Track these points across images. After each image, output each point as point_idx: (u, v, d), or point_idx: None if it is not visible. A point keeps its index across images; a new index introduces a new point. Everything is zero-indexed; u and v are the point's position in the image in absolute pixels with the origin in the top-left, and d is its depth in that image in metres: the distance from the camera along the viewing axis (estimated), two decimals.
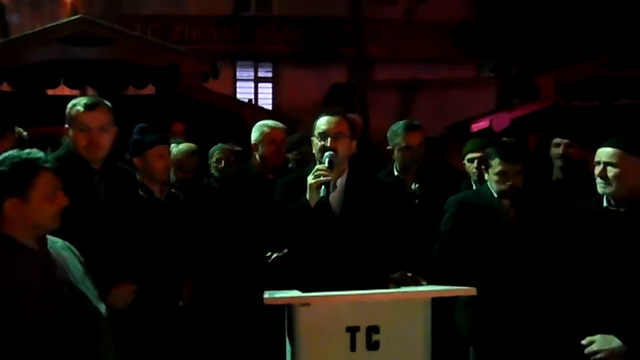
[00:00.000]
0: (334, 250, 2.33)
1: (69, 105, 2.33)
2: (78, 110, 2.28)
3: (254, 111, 5.74)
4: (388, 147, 3.23)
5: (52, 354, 1.58)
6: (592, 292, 2.31)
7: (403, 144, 3.13)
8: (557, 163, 3.42)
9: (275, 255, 3.02)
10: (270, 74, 11.46)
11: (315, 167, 2.29)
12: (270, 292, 2.02)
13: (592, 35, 7.45)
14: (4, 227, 1.65)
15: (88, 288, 1.75)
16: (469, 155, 3.55)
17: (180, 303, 2.73)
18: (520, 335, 2.66)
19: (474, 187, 3.37)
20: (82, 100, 2.34)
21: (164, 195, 2.89)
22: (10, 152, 1.68)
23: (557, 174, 3.45)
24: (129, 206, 2.41)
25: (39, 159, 1.67)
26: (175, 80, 5.44)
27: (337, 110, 2.56)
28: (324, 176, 2.24)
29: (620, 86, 6.66)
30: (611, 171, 2.29)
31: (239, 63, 11.35)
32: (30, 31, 5.60)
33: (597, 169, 2.34)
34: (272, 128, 3.25)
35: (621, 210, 2.32)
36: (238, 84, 11.30)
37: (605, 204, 2.37)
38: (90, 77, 5.69)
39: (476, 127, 7.08)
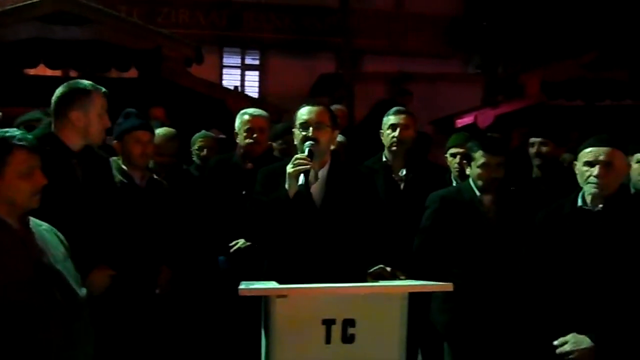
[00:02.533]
0: (314, 242, 2.31)
1: None
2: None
3: (238, 99, 5.67)
4: (380, 131, 3.27)
5: (22, 329, 1.60)
6: (566, 290, 2.33)
7: (389, 123, 3.19)
8: (535, 162, 3.47)
9: (237, 246, 3.01)
10: (257, 62, 11.34)
11: (295, 157, 2.28)
12: (246, 283, 2.00)
13: (576, 34, 7.52)
14: None
15: (69, 271, 1.76)
16: (452, 150, 3.56)
17: (157, 291, 2.70)
18: (495, 332, 2.68)
19: (455, 182, 3.39)
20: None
21: (144, 181, 2.84)
22: None
23: (535, 172, 3.51)
24: (105, 191, 2.38)
25: (13, 137, 1.67)
26: (158, 63, 5.34)
27: (319, 100, 2.54)
28: (302, 165, 2.23)
29: (603, 87, 6.75)
30: (609, 171, 2.27)
31: (225, 49, 11.20)
32: (10, 7, 5.43)
33: (595, 169, 2.28)
34: (251, 116, 3.21)
35: (595, 209, 2.34)
36: (224, 70, 11.14)
37: (580, 203, 2.38)
38: (72, 58, 5.56)
39: (461, 122, 7.12)
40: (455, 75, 10.20)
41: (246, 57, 11.39)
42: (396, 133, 3.15)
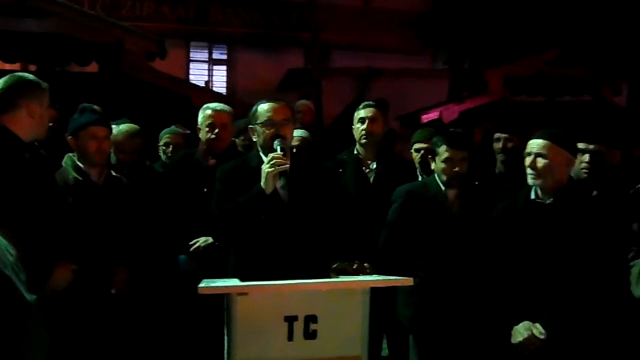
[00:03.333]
0: (281, 239, 2.31)
1: None
2: None
3: (203, 94, 5.58)
4: (352, 127, 3.29)
5: None
6: (521, 280, 2.39)
7: (358, 117, 3.22)
8: (499, 157, 3.53)
9: (197, 245, 2.98)
10: (225, 57, 11.21)
11: (271, 156, 2.28)
12: (207, 281, 1.98)
13: (538, 32, 7.69)
14: None
15: (17, 276, 1.68)
16: (416, 145, 3.59)
17: (113, 291, 2.63)
18: (459, 325, 2.71)
19: (420, 177, 3.42)
20: None
21: (102, 178, 2.76)
22: None
23: (499, 167, 3.56)
24: (51, 187, 2.32)
25: None
26: (120, 58, 5.21)
27: (276, 97, 2.53)
28: (281, 165, 2.24)
29: (564, 83, 6.94)
30: (541, 162, 2.38)
31: (192, 44, 11.02)
32: None
33: (528, 160, 2.43)
34: (214, 111, 3.16)
35: (547, 202, 2.41)
36: (192, 65, 10.98)
37: (533, 196, 2.46)
38: (29, 52, 5.37)
39: (426, 118, 7.20)
40: (422, 71, 10.31)
41: (214, 51, 11.24)
42: (365, 126, 3.17)
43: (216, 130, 3.11)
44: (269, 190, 2.26)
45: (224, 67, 11.27)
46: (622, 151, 4.85)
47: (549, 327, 2.28)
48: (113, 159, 3.22)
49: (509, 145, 3.43)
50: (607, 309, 2.29)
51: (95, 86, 5.15)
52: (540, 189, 2.42)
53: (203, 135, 3.16)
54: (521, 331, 2.33)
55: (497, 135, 3.56)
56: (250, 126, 2.47)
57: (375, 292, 2.10)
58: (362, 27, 11.33)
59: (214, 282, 1.98)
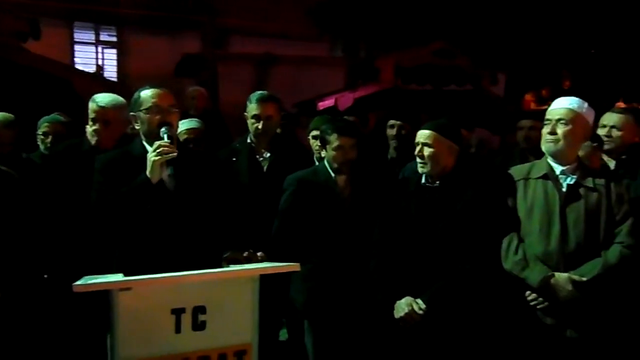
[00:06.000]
0: (169, 230, 2.25)
1: None
2: None
3: (87, 79, 5.21)
4: (245, 113, 3.23)
5: None
6: (408, 259, 2.56)
7: (252, 113, 3.16)
8: (392, 143, 3.71)
9: None
10: (114, 39, 10.54)
11: (157, 143, 2.21)
12: (87, 278, 1.88)
13: (426, 23, 8.10)
14: None
15: None
16: (313, 133, 3.65)
17: None
18: (352, 308, 2.81)
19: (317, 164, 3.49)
20: None
21: None
22: None
23: (392, 153, 3.74)
24: None
25: None
26: None
27: (158, 83, 2.45)
28: (169, 153, 2.18)
29: (449, 73, 7.42)
30: (427, 151, 2.57)
31: (77, 24, 10.23)
32: None
33: (416, 149, 2.61)
34: (97, 105, 2.97)
35: (434, 185, 2.61)
36: (77, 47, 10.21)
37: (423, 180, 2.65)
38: None
39: (322, 105, 7.34)
40: (321, 59, 10.44)
41: (101, 33, 10.52)
42: (260, 125, 3.14)
43: (96, 126, 2.94)
44: (155, 179, 2.20)
45: (114, 51, 10.60)
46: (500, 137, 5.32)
47: (430, 302, 2.46)
48: None
49: (403, 132, 3.62)
50: (483, 284, 2.50)
51: None
52: (429, 175, 2.60)
53: (89, 127, 2.98)
54: (403, 306, 2.50)
55: (391, 122, 3.74)
56: (132, 114, 2.37)
57: (274, 279, 2.13)
58: (261, 12, 11.20)
59: (94, 279, 1.89)
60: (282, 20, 11.17)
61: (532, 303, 2.47)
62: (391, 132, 3.73)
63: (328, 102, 7.27)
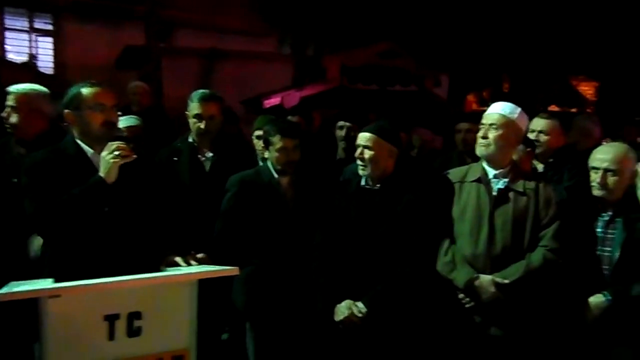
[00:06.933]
0: (106, 232, 2.19)
1: None
2: None
3: (15, 69, 4.91)
4: (186, 112, 3.16)
5: None
6: (348, 261, 2.59)
7: (194, 112, 3.10)
8: (341, 145, 3.74)
9: None
10: (50, 27, 10.02)
11: (115, 144, 2.16)
12: (13, 284, 1.79)
13: (373, 23, 8.22)
14: None
15: None
16: (257, 132, 3.63)
17: None
18: (294, 310, 2.82)
19: (261, 163, 3.47)
20: None
21: None
22: None
23: (340, 154, 3.78)
24: None
25: None
26: None
27: (99, 78, 2.38)
28: (127, 156, 2.16)
29: (394, 74, 7.56)
30: (367, 154, 2.61)
31: (8, 10, 9.66)
32: None
33: (357, 152, 2.64)
34: (13, 93, 2.83)
35: (374, 188, 2.65)
36: (8, 34, 9.63)
37: (363, 182, 2.69)
38: None
39: (268, 103, 7.29)
40: (268, 55, 10.36)
41: (35, 20, 9.98)
42: (202, 125, 3.09)
43: (23, 114, 2.79)
44: (110, 180, 2.16)
45: (50, 40, 10.09)
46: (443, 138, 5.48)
47: (369, 305, 2.50)
48: None
49: (352, 133, 3.65)
50: (422, 286, 2.57)
51: None
52: (369, 177, 2.63)
53: (6, 115, 2.84)
54: (343, 310, 2.53)
55: (340, 123, 3.77)
56: (68, 110, 2.28)
57: (216, 279, 2.08)
58: (208, 5, 10.99)
59: (20, 286, 1.80)
60: (229, 14, 10.99)
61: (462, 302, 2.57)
62: (340, 133, 3.76)
63: (274, 100, 7.23)
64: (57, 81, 7.13)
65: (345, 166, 3.50)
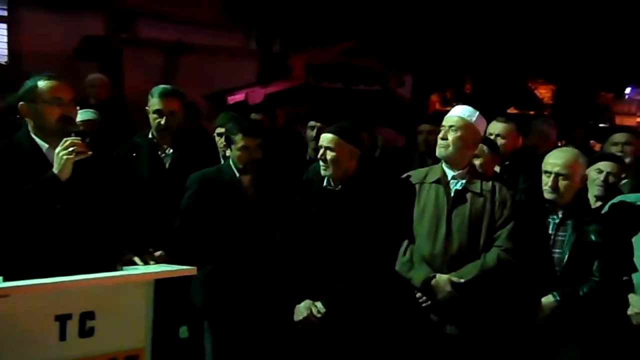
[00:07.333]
0: (59, 230, 2.13)
1: None
2: None
3: None
4: (146, 107, 3.10)
5: None
6: (309, 261, 2.61)
7: (154, 107, 3.05)
8: (311, 145, 3.75)
9: None
10: (4, 13, 9.59)
11: (69, 140, 2.11)
12: None
13: (338, 21, 8.24)
14: None
15: None
16: (218, 130, 3.60)
17: None
18: (252, 309, 2.81)
19: (222, 161, 3.44)
20: None
21: None
22: None
23: (310, 153, 3.78)
24: None
25: None
26: None
27: (56, 69, 2.31)
28: (82, 153, 2.11)
29: (358, 73, 7.62)
30: (329, 155, 2.63)
31: None
32: None
33: (319, 153, 2.65)
34: None
35: (336, 189, 2.67)
36: None
37: (325, 183, 2.70)
38: None
39: (232, 99, 7.22)
40: (234, 49, 10.24)
41: None
42: (162, 120, 3.03)
43: None
44: (64, 177, 2.10)
45: (4, 26, 9.67)
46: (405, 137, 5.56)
47: (328, 306, 2.52)
48: None
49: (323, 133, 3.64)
50: (380, 286, 2.60)
51: None
52: (331, 178, 2.65)
53: None
54: (302, 310, 2.54)
55: (311, 123, 3.77)
56: (22, 103, 2.20)
57: (174, 277, 2.07)
58: None
59: None
60: (195, 6, 10.79)
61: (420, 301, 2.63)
62: (311, 133, 3.76)
63: (238, 97, 7.17)
64: (12, 70, 6.85)
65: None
